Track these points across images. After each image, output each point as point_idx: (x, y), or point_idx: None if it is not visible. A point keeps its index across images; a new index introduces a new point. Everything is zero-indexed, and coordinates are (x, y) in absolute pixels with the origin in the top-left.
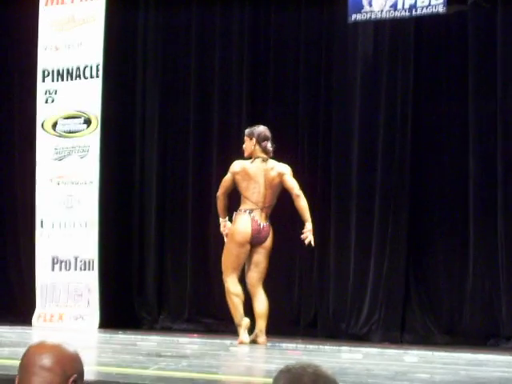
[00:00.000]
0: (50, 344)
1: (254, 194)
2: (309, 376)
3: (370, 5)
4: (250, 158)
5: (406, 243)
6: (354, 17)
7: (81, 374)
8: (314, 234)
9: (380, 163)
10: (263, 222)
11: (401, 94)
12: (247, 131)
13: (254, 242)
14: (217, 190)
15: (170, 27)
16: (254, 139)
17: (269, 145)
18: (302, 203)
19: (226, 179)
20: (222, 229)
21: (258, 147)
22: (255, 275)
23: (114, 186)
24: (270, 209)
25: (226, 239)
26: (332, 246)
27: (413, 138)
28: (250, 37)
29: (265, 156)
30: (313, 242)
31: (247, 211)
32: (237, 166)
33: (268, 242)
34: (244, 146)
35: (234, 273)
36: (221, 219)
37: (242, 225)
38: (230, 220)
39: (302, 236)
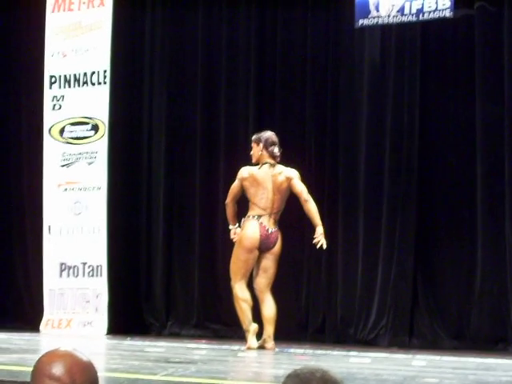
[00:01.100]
0: (61, 352)
1: (263, 200)
2: (317, 381)
3: (377, 10)
4: (257, 163)
5: (414, 248)
6: (360, 22)
7: (92, 383)
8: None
9: (387, 167)
10: (271, 228)
11: (408, 98)
12: (254, 137)
13: (263, 247)
14: (224, 196)
15: (176, 33)
16: (261, 144)
17: (276, 150)
18: (312, 207)
19: (234, 186)
20: (232, 235)
21: (265, 152)
22: (263, 281)
23: (121, 191)
24: (278, 214)
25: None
26: (340, 250)
27: (420, 141)
28: (257, 41)
29: (272, 161)
30: (325, 245)
31: (255, 217)
32: (244, 172)
33: (276, 248)
34: (251, 151)
35: (242, 279)
36: (231, 226)
37: (250, 231)
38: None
39: (314, 241)
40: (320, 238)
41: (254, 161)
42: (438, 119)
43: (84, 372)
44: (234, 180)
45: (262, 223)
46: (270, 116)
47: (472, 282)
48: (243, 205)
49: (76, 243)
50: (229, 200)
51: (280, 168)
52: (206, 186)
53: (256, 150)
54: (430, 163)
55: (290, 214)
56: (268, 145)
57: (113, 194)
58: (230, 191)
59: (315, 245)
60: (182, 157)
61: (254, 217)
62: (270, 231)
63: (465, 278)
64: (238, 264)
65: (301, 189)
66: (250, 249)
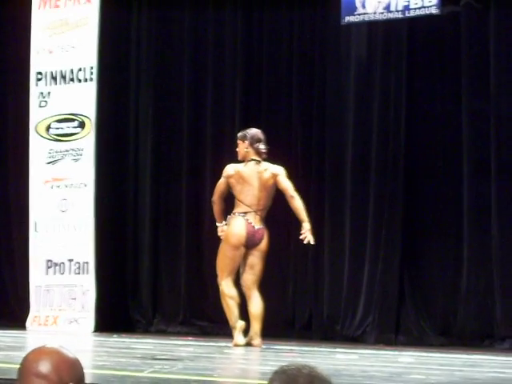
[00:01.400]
0: (47, 350)
1: (248, 197)
2: (304, 377)
3: (364, 6)
4: (243, 160)
5: (400, 245)
6: (347, 19)
7: (79, 380)
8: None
9: (374, 165)
10: (257, 225)
11: (394, 94)
12: (240, 134)
13: (249, 244)
14: (211, 193)
15: (163, 30)
16: (247, 142)
17: (261, 146)
18: (298, 204)
19: (220, 183)
20: (219, 233)
21: (250, 150)
22: (250, 277)
23: (108, 189)
24: (264, 211)
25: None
26: (326, 248)
27: (406, 139)
28: (243, 40)
29: (258, 158)
30: (312, 241)
31: (241, 214)
32: (230, 169)
33: (263, 245)
34: (237, 149)
35: (229, 276)
36: (218, 223)
37: (236, 228)
38: None
39: (301, 237)
40: (307, 234)
41: (239, 158)
42: (425, 116)
43: (71, 369)
44: (221, 174)
45: (247, 220)
46: (257, 115)
47: (458, 279)
48: (230, 202)
49: (62, 240)
50: (215, 197)
51: (266, 165)
52: (193, 183)
53: (242, 147)
54: (416, 161)
55: (276, 211)
56: (254, 142)
57: (99, 191)
58: (216, 188)
59: (302, 241)
60: (169, 154)
61: (239, 214)
62: (255, 228)
63: (451, 275)
64: (224, 261)
65: (287, 185)
66: (236, 246)
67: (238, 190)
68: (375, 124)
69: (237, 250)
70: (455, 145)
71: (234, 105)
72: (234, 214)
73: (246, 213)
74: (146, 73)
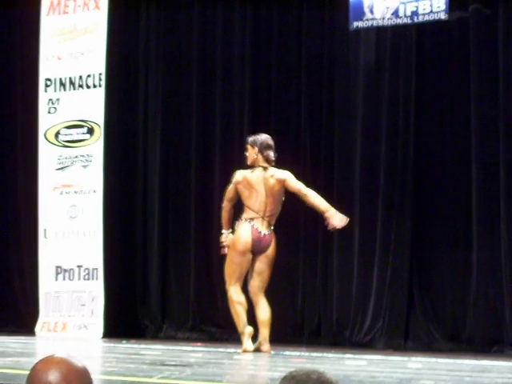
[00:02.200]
0: (56, 359)
1: (256, 203)
2: (313, 382)
3: (372, 12)
4: (252, 166)
5: (409, 250)
6: (355, 24)
7: None
8: (318, 241)
9: (382, 171)
10: (265, 231)
11: (403, 100)
12: (250, 139)
13: (256, 250)
14: (219, 200)
15: (171, 35)
16: (257, 148)
17: (271, 154)
18: (313, 199)
19: (229, 190)
20: (223, 239)
21: (260, 156)
22: (257, 284)
23: (117, 194)
24: (272, 217)
25: (225, 250)
26: (335, 253)
27: (415, 144)
28: (252, 43)
29: (266, 165)
30: (338, 224)
31: (247, 220)
32: (239, 175)
33: (270, 251)
34: (247, 153)
35: (236, 282)
36: (224, 230)
37: (243, 234)
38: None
39: (329, 228)
40: (333, 221)
41: (248, 163)
42: (433, 121)
43: (80, 378)
44: (229, 183)
45: (254, 226)
46: (265, 117)
47: (467, 284)
48: (239, 208)
49: (72, 246)
50: (225, 203)
51: (272, 171)
52: (202, 189)
53: (251, 153)
54: (425, 166)
55: (284, 217)
56: (263, 148)
57: (108, 197)
58: (226, 195)
59: (312, 246)
60: (178, 160)
61: (246, 220)
62: (262, 234)
63: (460, 281)
64: (231, 267)
65: (297, 186)
66: (243, 252)
67: (245, 196)
68: (384, 129)
69: (243, 256)
70: (464, 149)
71: (243, 108)
72: (241, 219)
73: (252, 219)
74: (154, 78)
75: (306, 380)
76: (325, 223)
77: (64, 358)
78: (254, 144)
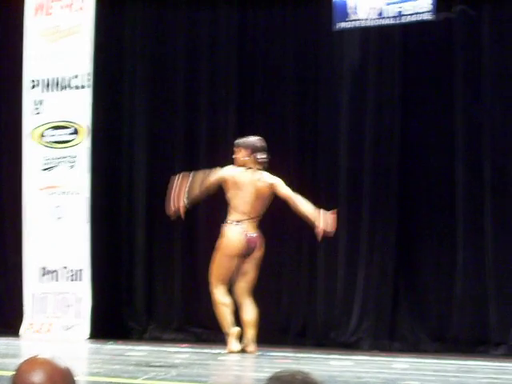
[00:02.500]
0: (40, 360)
1: (242, 204)
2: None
3: (355, 13)
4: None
5: (395, 251)
6: (338, 25)
7: None
8: (303, 241)
9: (368, 170)
10: (252, 232)
11: (388, 101)
12: (240, 142)
13: (245, 253)
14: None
15: (157, 35)
16: (249, 150)
17: (260, 156)
18: (302, 207)
19: (210, 179)
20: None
21: (249, 158)
22: (243, 285)
23: (103, 196)
24: (258, 219)
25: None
26: (320, 253)
27: (400, 144)
28: (237, 44)
29: (257, 166)
30: (331, 225)
31: (235, 222)
32: (227, 172)
33: (258, 252)
34: (235, 155)
35: (222, 284)
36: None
37: (234, 237)
38: (215, 232)
39: (317, 236)
40: (320, 227)
41: (237, 165)
42: (418, 121)
43: (65, 378)
44: (211, 171)
45: (243, 229)
46: (251, 118)
47: (453, 284)
48: (222, 210)
49: (57, 247)
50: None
51: (262, 174)
52: None
53: (240, 155)
54: (410, 166)
55: (269, 218)
56: (252, 151)
57: (94, 198)
58: (204, 181)
59: (297, 246)
60: (164, 161)
61: (233, 222)
62: (250, 236)
63: (445, 281)
64: (219, 270)
65: (287, 193)
66: (233, 256)
67: (231, 195)
68: (369, 129)
69: (233, 261)
70: (449, 149)
71: (228, 110)
72: (228, 222)
73: (239, 221)
74: (140, 79)
75: (291, 381)
76: (315, 231)
77: (48, 359)
78: (245, 147)
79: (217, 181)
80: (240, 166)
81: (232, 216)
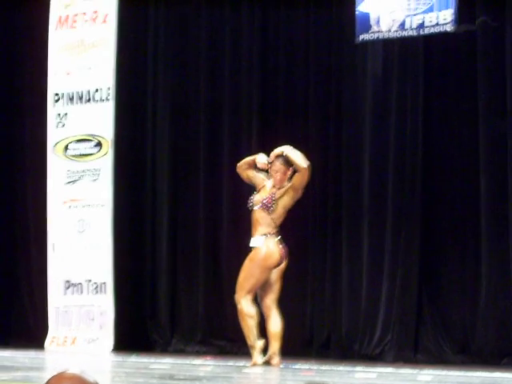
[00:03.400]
0: (69, 375)
1: (280, 218)
2: None
3: (378, 25)
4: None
5: (418, 262)
6: (361, 37)
7: None
8: (327, 253)
9: (391, 182)
10: (281, 244)
11: (410, 113)
12: (285, 159)
13: (278, 264)
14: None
15: (179, 46)
16: (291, 169)
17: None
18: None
19: (253, 176)
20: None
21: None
22: (271, 296)
23: (126, 208)
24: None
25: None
26: (344, 266)
27: (423, 155)
28: (259, 54)
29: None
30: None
31: (272, 235)
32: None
33: (284, 263)
34: (276, 173)
35: (249, 294)
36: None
37: (273, 250)
38: (240, 244)
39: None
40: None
41: (279, 184)
42: (441, 133)
43: None
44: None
45: (278, 241)
46: (273, 128)
47: (477, 295)
48: (246, 221)
49: (80, 260)
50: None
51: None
52: (210, 202)
53: (288, 173)
54: (433, 177)
55: (293, 228)
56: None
57: (117, 211)
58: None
59: (320, 258)
60: (186, 172)
61: (271, 235)
62: (281, 247)
63: (470, 292)
64: (250, 280)
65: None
66: (270, 267)
67: (275, 211)
68: (392, 141)
69: (266, 272)
70: (472, 161)
71: (251, 117)
72: (267, 234)
73: (274, 233)
74: (163, 91)
75: None
76: None
77: (76, 374)
78: (289, 164)
79: (252, 178)
80: (281, 183)
81: (270, 228)
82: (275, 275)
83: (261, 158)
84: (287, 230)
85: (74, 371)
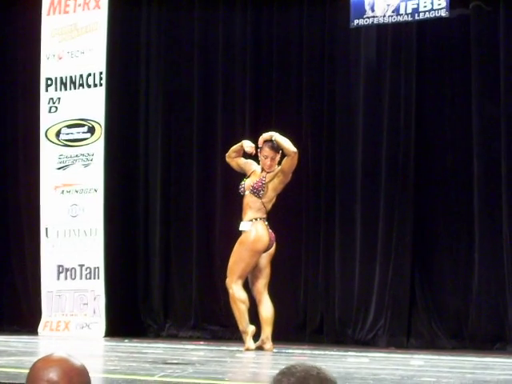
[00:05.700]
0: (56, 358)
1: (271, 203)
2: (314, 379)
3: (373, 10)
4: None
5: (411, 248)
6: (356, 22)
7: None
8: (320, 239)
9: (384, 168)
10: (270, 229)
11: (404, 98)
12: (274, 144)
13: (267, 249)
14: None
15: (172, 33)
16: (279, 154)
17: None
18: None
19: (242, 163)
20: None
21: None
22: (261, 281)
23: (118, 193)
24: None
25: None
26: (337, 251)
27: (416, 142)
28: (253, 42)
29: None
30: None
31: (262, 219)
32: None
33: (273, 248)
34: (266, 157)
35: (240, 279)
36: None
37: (262, 234)
38: (232, 230)
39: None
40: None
41: (266, 168)
42: (435, 118)
43: (80, 376)
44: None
45: (267, 226)
46: (266, 116)
47: (469, 281)
48: (237, 207)
49: (73, 245)
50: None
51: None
52: (204, 187)
53: (275, 159)
54: (426, 163)
55: (287, 214)
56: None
57: (109, 196)
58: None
59: (314, 244)
60: (179, 158)
61: (260, 219)
62: (270, 231)
63: (462, 278)
64: (240, 265)
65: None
66: (259, 252)
67: (265, 194)
68: (385, 127)
69: (256, 256)
70: (465, 147)
71: (244, 105)
72: (257, 219)
73: (263, 218)
74: (155, 77)
75: (306, 377)
76: None
77: (63, 357)
78: (278, 149)
79: (241, 165)
80: (270, 168)
81: (260, 213)
82: (265, 260)
83: (247, 143)
84: (281, 216)
85: (60, 354)
